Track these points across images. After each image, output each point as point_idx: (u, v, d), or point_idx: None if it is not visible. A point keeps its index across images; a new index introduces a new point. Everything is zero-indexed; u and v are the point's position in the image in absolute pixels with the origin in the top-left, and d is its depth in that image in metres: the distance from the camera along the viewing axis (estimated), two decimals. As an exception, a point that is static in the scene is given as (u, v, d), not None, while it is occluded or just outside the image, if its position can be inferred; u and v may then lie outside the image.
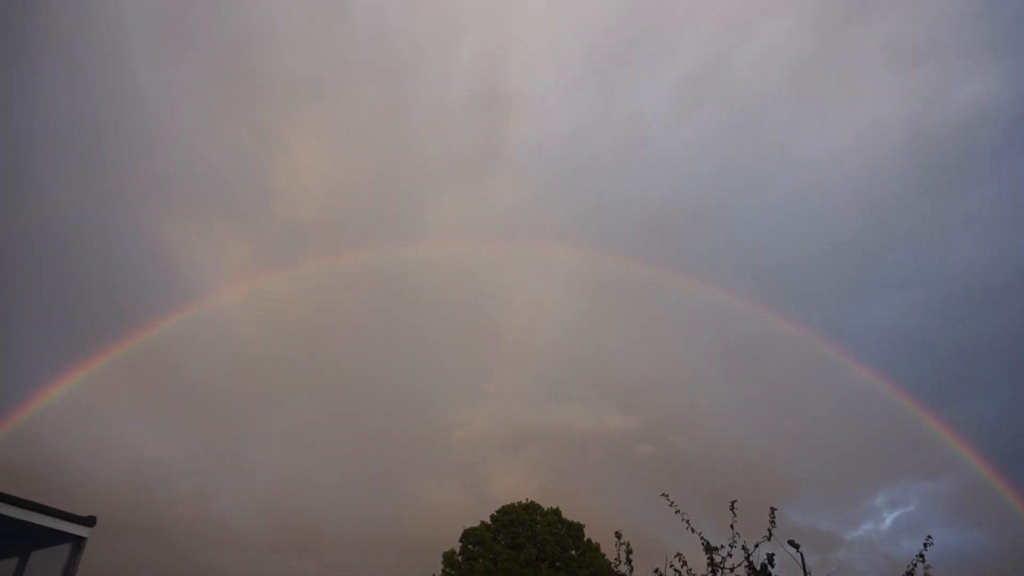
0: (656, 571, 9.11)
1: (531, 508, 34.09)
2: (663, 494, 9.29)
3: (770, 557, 8.75)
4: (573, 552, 32.60)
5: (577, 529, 33.70)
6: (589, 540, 33.52)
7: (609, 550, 9.15)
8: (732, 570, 8.98)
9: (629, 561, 9.70)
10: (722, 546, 9.01)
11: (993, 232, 60.10)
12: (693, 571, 9.24)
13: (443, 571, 33.39)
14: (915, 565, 8.10)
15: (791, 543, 8.59)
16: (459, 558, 33.15)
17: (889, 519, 64.94)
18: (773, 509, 8.90)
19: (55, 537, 15.47)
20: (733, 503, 9.00)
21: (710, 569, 9.00)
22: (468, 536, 33.64)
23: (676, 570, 9.14)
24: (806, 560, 8.97)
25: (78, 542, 15.56)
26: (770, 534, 8.81)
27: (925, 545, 8.08)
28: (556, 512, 34.20)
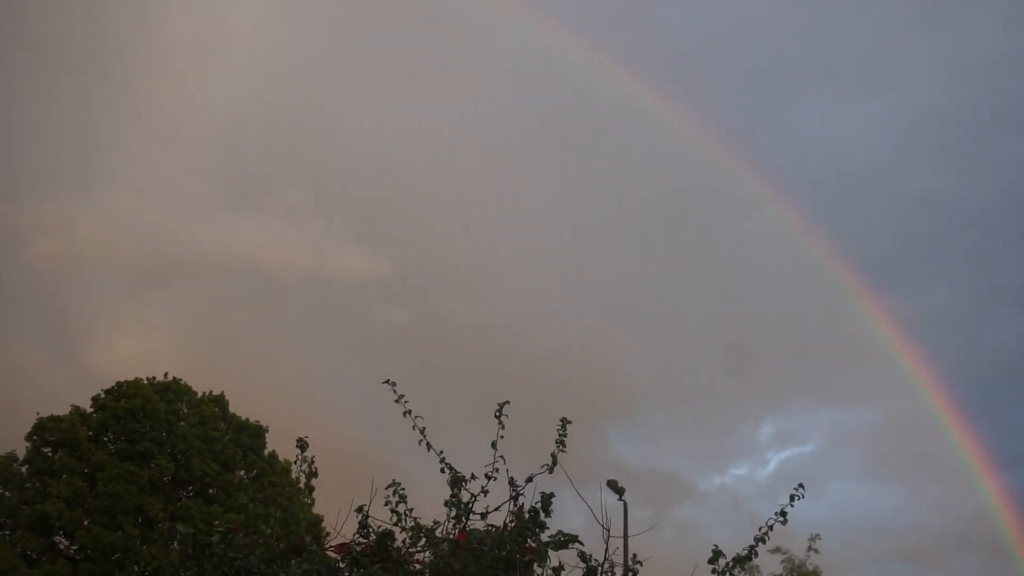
0: (359, 509, 5.80)
1: (171, 390, 25.58)
2: (386, 380, 6.12)
3: (546, 497, 5.77)
4: (243, 473, 25.72)
5: (255, 433, 26.20)
6: (274, 454, 26.08)
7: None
8: (484, 516, 5.93)
9: (310, 487, 6.29)
10: (473, 476, 5.95)
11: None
12: (416, 514, 6.03)
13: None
14: (766, 532, 5.50)
15: (611, 484, 5.88)
16: (24, 469, 24.41)
17: (774, 462, 44.49)
18: (565, 420, 6.09)
19: None
20: (502, 405, 6.00)
21: (450, 511, 5.92)
22: (45, 429, 24.52)
23: (392, 508, 6.04)
24: (628, 512, 6.40)
25: None
26: (554, 461, 5.89)
27: (792, 497, 5.49)
28: (218, 401, 26.26)
